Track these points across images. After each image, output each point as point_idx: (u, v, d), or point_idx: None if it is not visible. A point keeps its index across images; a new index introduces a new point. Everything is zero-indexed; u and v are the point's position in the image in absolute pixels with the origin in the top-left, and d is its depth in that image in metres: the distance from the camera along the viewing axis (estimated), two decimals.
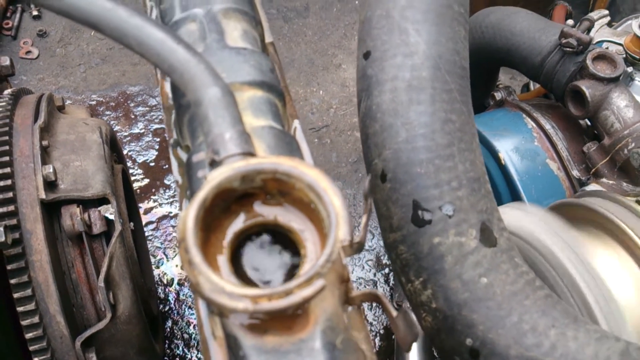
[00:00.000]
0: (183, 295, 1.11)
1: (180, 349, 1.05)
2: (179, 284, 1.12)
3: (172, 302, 1.10)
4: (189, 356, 1.04)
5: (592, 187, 0.65)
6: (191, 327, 1.07)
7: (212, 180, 0.24)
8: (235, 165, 0.25)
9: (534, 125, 0.74)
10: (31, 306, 0.63)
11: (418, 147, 0.33)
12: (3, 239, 0.59)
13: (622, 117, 0.64)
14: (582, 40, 0.67)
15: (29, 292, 0.63)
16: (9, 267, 0.62)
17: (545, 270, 0.49)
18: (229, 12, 0.34)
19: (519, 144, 0.74)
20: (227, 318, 0.24)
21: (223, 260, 0.25)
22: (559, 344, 0.31)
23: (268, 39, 0.38)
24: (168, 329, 1.06)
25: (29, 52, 1.54)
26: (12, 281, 0.62)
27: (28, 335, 0.63)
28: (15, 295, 0.63)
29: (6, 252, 0.62)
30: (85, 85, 1.45)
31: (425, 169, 0.33)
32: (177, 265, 1.14)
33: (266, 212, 0.26)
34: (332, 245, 0.24)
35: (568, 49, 0.67)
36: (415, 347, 0.97)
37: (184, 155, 0.34)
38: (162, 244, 1.17)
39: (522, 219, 0.51)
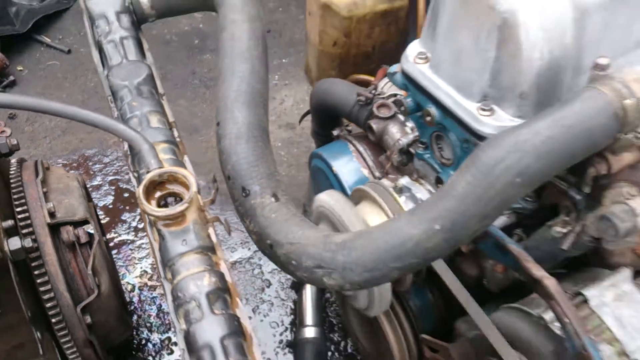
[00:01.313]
0: (143, 297, 1.49)
1: (145, 334, 1.43)
2: (139, 289, 1.51)
3: (136, 302, 1.48)
4: (152, 337, 1.42)
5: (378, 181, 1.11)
6: (151, 318, 1.45)
7: (147, 177, 0.66)
8: (155, 171, 0.66)
9: (354, 148, 1.20)
10: (48, 287, 1.02)
11: (242, 164, 0.77)
12: (29, 245, 0.98)
13: (393, 139, 1.10)
14: (368, 97, 1.14)
15: (45, 279, 1.02)
16: (32, 264, 1.01)
17: (336, 222, 0.93)
18: (152, 112, 0.77)
19: (345, 161, 1.19)
20: (156, 224, 0.65)
21: (153, 204, 0.66)
22: (302, 235, 0.73)
23: (171, 119, 0.80)
24: (135, 321, 1.44)
25: (3, 131, 1.91)
26: (35, 272, 1.01)
27: (47, 305, 1.01)
28: (38, 281, 1.01)
29: (30, 255, 1.01)
30: (51, 153, 1.84)
31: (245, 173, 0.76)
32: (136, 277, 1.53)
33: (170, 187, 0.68)
34: (191, 193, 0.66)
35: (361, 102, 1.14)
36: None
37: (136, 175, 0.76)
38: (123, 262, 1.56)
39: (327, 197, 0.95)
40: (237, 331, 0.60)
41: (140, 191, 0.64)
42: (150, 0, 0.90)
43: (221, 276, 0.65)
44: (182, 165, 0.73)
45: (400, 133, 1.08)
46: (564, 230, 0.80)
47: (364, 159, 1.18)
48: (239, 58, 0.82)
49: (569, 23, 0.72)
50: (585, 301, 0.79)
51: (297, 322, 1.37)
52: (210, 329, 0.59)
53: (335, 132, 1.28)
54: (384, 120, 1.10)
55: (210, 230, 0.71)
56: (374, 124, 1.10)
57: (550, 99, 0.76)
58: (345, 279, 0.70)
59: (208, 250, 0.65)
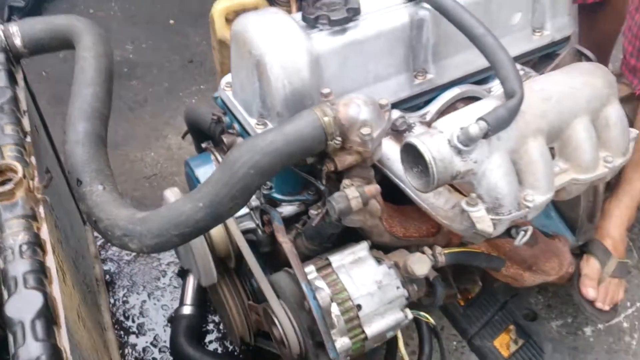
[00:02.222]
0: None
1: None
2: None
3: None
4: None
5: None
6: None
7: None
8: None
9: (214, 158, 1.49)
10: None
11: (77, 161, 1.04)
12: None
13: None
14: (220, 116, 1.43)
15: None
16: None
17: None
18: (7, 123, 1.07)
19: (206, 168, 1.47)
20: None
21: None
22: (117, 213, 1.01)
23: (27, 129, 1.11)
24: None
25: None
26: None
27: None
28: None
29: None
30: None
31: (79, 168, 1.04)
32: None
33: (9, 174, 0.98)
34: (17, 177, 0.95)
35: (214, 120, 1.43)
36: None
37: None
38: None
39: (168, 193, 1.24)
40: (39, 270, 0.87)
41: None
42: (22, 41, 1.19)
43: (35, 235, 0.92)
44: (24, 161, 1.01)
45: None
46: (316, 212, 1.09)
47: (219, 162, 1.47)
48: (83, 84, 1.11)
49: (303, 64, 1.03)
50: (329, 264, 1.08)
51: (179, 302, 1.65)
52: (17, 267, 0.86)
53: (203, 145, 1.58)
54: (232, 135, 1.39)
55: (40, 207, 0.99)
56: (225, 138, 1.38)
57: None
58: (142, 243, 0.94)
59: (30, 218, 0.93)
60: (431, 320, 1.16)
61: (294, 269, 1.05)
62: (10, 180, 0.94)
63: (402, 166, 1.02)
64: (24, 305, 0.81)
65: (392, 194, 1.16)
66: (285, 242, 1.04)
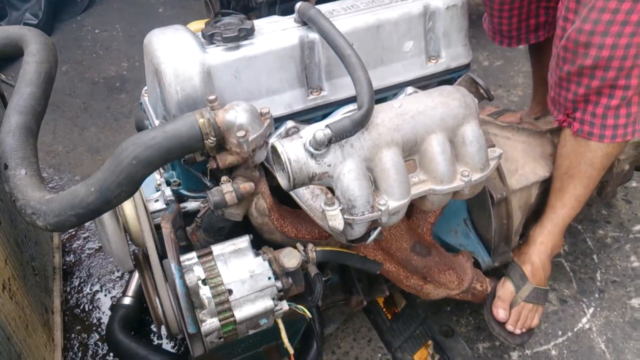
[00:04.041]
0: None
1: None
2: None
3: None
4: None
5: None
6: None
7: None
8: None
9: None
10: None
11: (6, 148, 1.23)
12: None
13: None
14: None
15: None
16: None
17: None
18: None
19: None
20: None
21: None
22: (31, 195, 1.18)
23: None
24: None
25: None
26: None
27: None
28: None
29: None
30: None
31: (7, 154, 1.22)
32: None
33: None
34: None
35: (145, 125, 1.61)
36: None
37: None
38: None
39: None
40: None
41: None
42: None
43: None
44: None
45: None
46: (203, 206, 1.23)
47: None
48: (23, 85, 1.30)
49: (194, 72, 1.18)
50: (211, 252, 1.21)
51: (122, 293, 1.80)
52: None
53: None
54: None
55: None
56: None
57: None
58: (45, 221, 1.08)
59: None
60: (307, 313, 1.26)
61: (167, 252, 1.18)
62: None
63: (274, 167, 1.15)
64: None
65: (291, 199, 1.29)
66: (165, 227, 1.17)
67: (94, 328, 1.82)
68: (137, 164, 1.08)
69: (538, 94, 2.13)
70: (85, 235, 2.06)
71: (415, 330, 1.75)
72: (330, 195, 1.08)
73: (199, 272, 1.16)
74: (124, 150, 1.09)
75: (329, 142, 1.03)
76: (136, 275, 1.83)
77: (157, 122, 1.27)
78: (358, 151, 1.07)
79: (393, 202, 1.09)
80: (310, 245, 1.22)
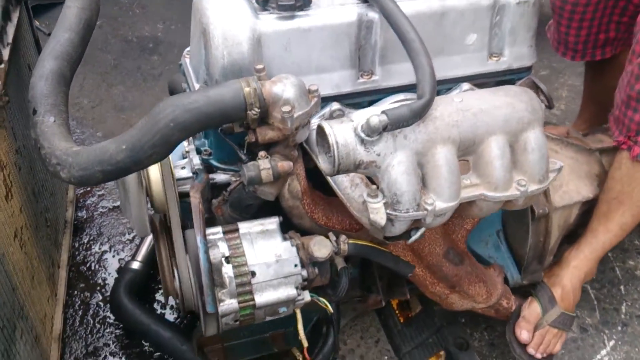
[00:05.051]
0: None
1: None
2: None
3: None
4: None
5: None
6: None
7: None
8: None
9: None
10: None
11: (37, 93, 1.15)
12: None
13: None
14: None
15: None
16: None
17: None
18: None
19: None
20: None
21: None
22: (57, 144, 1.11)
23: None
24: None
25: None
26: None
27: None
28: None
29: None
30: None
31: (37, 100, 1.14)
32: None
33: None
34: None
35: (184, 88, 1.53)
36: None
37: None
38: None
39: None
40: None
41: None
42: None
43: None
44: None
45: None
46: (234, 179, 1.16)
47: None
48: (62, 29, 1.23)
49: (244, 38, 1.10)
50: (237, 229, 1.14)
51: (131, 257, 1.74)
52: None
53: None
54: None
55: None
56: None
57: None
58: (70, 173, 1.02)
59: None
60: (330, 307, 1.19)
61: (194, 223, 1.11)
62: None
63: (317, 149, 1.08)
64: None
65: (325, 185, 1.21)
66: (193, 197, 1.11)
67: (98, 288, 1.77)
68: (174, 127, 1.01)
69: (586, 112, 2.04)
70: (100, 192, 2.00)
71: (429, 339, 1.68)
72: (374, 186, 1.01)
73: (223, 248, 1.10)
74: (162, 111, 1.02)
75: (384, 130, 0.95)
76: (147, 240, 1.77)
77: (197, 86, 1.20)
78: (411, 144, 0.99)
79: (441, 202, 1.01)
80: (342, 237, 1.14)
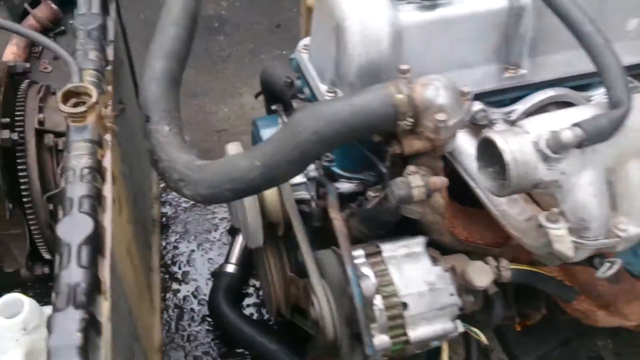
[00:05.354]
0: None
1: None
2: None
3: None
4: None
5: None
6: None
7: (66, 87, 0.97)
8: (73, 84, 0.98)
9: (282, 120, 1.45)
10: (24, 174, 1.31)
11: (149, 99, 1.03)
12: (16, 138, 1.31)
13: None
14: (292, 80, 1.37)
15: (24, 167, 1.31)
16: (17, 154, 1.33)
17: None
18: (93, 49, 1.06)
19: (272, 130, 1.43)
20: (67, 119, 0.95)
21: (68, 106, 0.97)
22: (177, 156, 1.00)
23: (110, 58, 1.10)
24: None
25: (45, 67, 2.32)
26: (17, 160, 1.33)
27: (22, 187, 1.32)
28: (18, 167, 1.33)
29: (17, 148, 1.33)
30: None
31: (150, 105, 1.03)
32: None
33: (84, 98, 0.98)
34: (90, 101, 0.94)
35: (287, 84, 1.38)
36: None
37: None
38: None
39: (230, 146, 1.22)
40: (95, 197, 0.88)
41: (59, 95, 0.94)
42: None
43: (98, 162, 0.93)
44: (101, 88, 1.03)
45: None
46: (373, 194, 1.04)
47: None
48: (168, 24, 1.10)
49: (384, 34, 0.96)
50: (380, 252, 1.02)
51: (224, 259, 1.66)
52: (76, 190, 0.88)
53: (273, 107, 1.54)
54: (303, 101, 1.34)
55: (108, 135, 1.00)
56: (295, 102, 1.34)
57: None
58: (195, 191, 0.93)
59: (96, 143, 0.94)
60: (483, 338, 1.07)
61: (341, 249, 1.00)
62: (84, 103, 0.95)
63: (477, 163, 0.94)
64: (74, 228, 0.83)
65: (461, 192, 1.08)
66: (337, 218, 0.99)
67: (191, 291, 1.69)
68: (315, 141, 0.89)
69: None
70: None
71: (553, 351, 1.55)
72: (555, 210, 0.87)
73: (368, 273, 0.98)
74: (301, 123, 0.89)
75: (579, 146, 0.81)
76: (239, 240, 1.68)
77: (321, 86, 1.07)
78: (602, 159, 0.85)
79: (634, 227, 0.87)
80: (504, 262, 1.02)
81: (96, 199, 0.89)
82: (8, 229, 1.38)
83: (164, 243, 1.79)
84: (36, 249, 1.44)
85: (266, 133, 1.45)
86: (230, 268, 1.61)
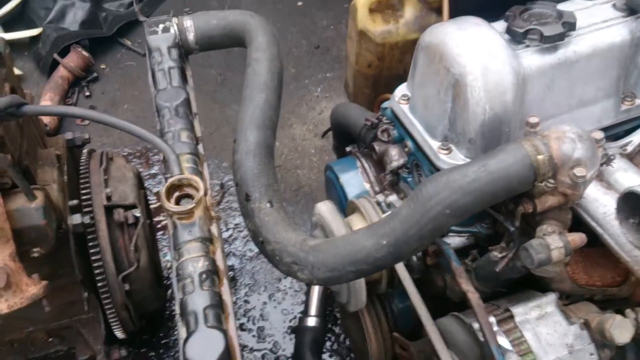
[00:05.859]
0: None
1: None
2: None
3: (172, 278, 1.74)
4: None
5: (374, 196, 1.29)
6: None
7: (169, 181, 0.87)
8: (176, 177, 0.88)
9: (360, 164, 1.38)
10: (98, 257, 1.27)
11: (247, 175, 0.97)
12: (88, 222, 1.25)
13: (391, 159, 1.27)
14: (374, 122, 1.31)
15: (97, 250, 1.27)
16: (88, 237, 1.27)
17: (327, 229, 1.12)
18: (183, 129, 0.99)
19: (351, 175, 1.37)
20: (172, 217, 0.87)
21: (172, 202, 0.88)
22: (286, 236, 0.92)
23: (198, 134, 1.03)
24: (169, 294, 1.70)
25: (82, 120, 2.24)
26: (89, 244, 1.27)
27: (95, 272, 1.27)
28: (90, 251, 1.28)
29: (87, 230, 1.27)
30: (120, 142, 2.14)
31: (249, 182, 0.96)
32: None
33: (186, 189, 0.89)
34: (199, 196, 0.86)
35: (367, 126, 1.31)
36: None
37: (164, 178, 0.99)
38: (167, 243, 1.82)
39: (322, 207, 1.15)
40: (218, 304, 0.80)
41: (162, 191, 0.86)
42: (195, 37, 1.13)
43: (213, 262, 0.85)
44: (199, 173, 0.95)
45: (397, 156, 1.23)
46: (500, 255, 0.96)
47: (367, 175, 1.36)
48: (256, 89, 1.03)
49: (509, 86, 0.88)
50: (512, 317, 0.95)
51: (303, 312, 1.58)
52: (198, 300, 0.80)
53: (347, 149, 1.47)
54: (385, 143, 1.26)
55: (213, 226, 0.92)
56: (377, 146, 1.26)
57: (495, 145, 0.91)
58: (313, 275, 0.87)
59: (207, 240, 0.86)
60: None
61: (466, 319, 0.93)
62: (189, 196, 0.87)
63: (617, 215, 0.86)
64: (205, 348, 0.75)
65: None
66: (471, 291, 0.91)
67: (270, 348, 1.62)
68: (449, 215, 0.81)
69: None
70: (244, 234, 1.83)
71: None
72: None
73: (505, 344, 0.91)
74: (433, 196, 0.81)
75: None
76: (316, 289, 1.60)
77: (432, 142, 0.98)
78: None
79: None
80: None
81: (219, 306, 0.81)
82: (79, 314, 1.31)
83: (234, 298, 1.71)
84: (110, 330, 1.38)
85: (346, 178, 1.38)
86: (312, 321, 1.53)
